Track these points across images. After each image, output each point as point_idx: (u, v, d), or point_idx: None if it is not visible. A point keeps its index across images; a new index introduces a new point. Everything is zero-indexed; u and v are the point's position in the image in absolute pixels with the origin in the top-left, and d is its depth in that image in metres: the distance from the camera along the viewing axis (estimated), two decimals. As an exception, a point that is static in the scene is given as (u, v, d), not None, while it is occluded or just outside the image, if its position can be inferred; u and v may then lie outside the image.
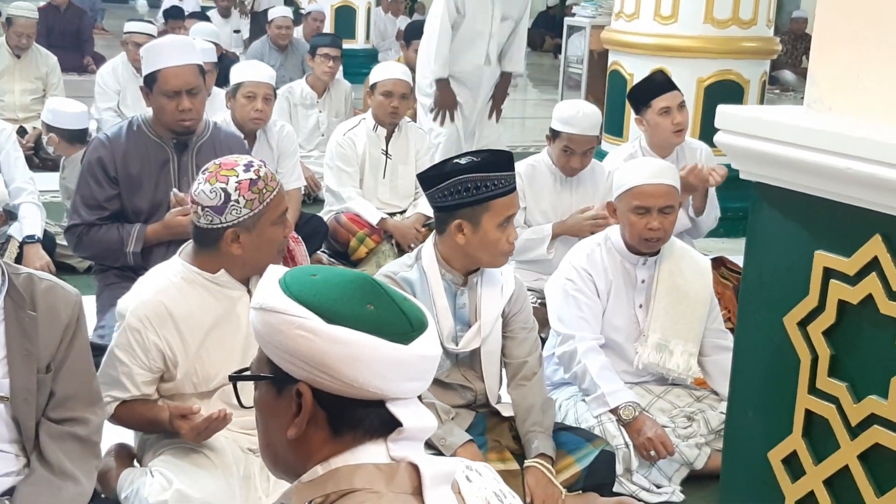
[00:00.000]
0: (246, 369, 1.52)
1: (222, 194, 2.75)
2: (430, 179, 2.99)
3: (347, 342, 1.39)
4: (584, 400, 3.41)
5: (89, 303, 4.15)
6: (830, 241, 1.99)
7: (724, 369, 3.37)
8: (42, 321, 2.61)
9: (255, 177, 2.77)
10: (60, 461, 2.62)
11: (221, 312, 2.85)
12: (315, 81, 7.11)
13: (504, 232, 2.97)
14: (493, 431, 3.16)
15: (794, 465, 2.08)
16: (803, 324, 2.03)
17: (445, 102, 6.47)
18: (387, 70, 5.68)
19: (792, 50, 14.45)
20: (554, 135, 4.52)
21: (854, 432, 1.96)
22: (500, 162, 2.97)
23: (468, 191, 2.92)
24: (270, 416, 1.48)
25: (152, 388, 2.88)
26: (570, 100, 4.79)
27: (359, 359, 1.39)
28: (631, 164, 3.60)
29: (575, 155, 4.48)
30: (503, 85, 6.66)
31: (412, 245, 5.44)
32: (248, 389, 1.54)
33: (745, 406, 2.20)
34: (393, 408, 1.43)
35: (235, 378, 1.53)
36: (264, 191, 2.77)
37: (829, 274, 1.98)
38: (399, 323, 1.43)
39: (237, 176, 2.76)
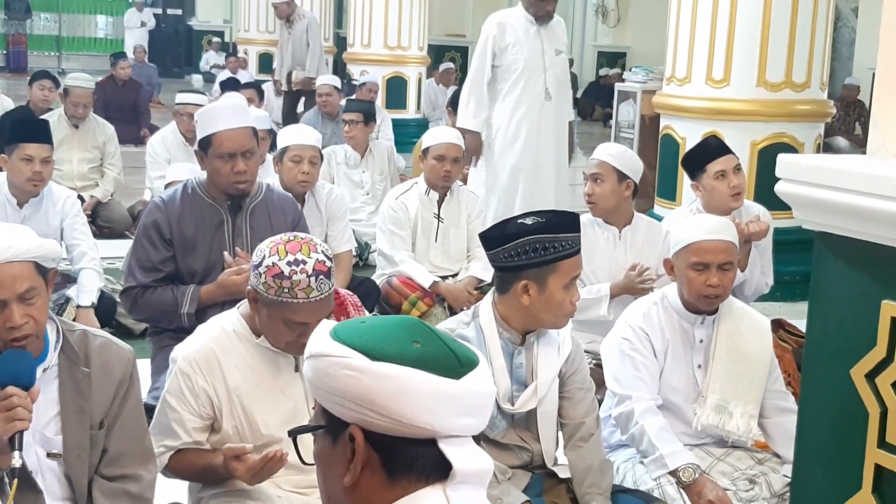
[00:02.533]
0: (309, 427, 1.52)
1: (259, 257, 2.74)
2: (493, 240, 2.97)
3: (393, 377, 1.39)
4: (642, 462, 3.34)
5: (144, 366, 4.19)
6: (898, 289, 1.94)
7: (786, 431, 3.31)
8: (95, 378, 2.62)
9: (286, 272, 2.68)
10: (114, 519, 2.61)
11: (266, 374, 2.84)
12: (348, 143, 7.35)
13: (568, 293, 2.95)
14: (550, 493, 3.10)
15: (864, 523, 2.01)
16: (871, 376, 1.98)
17: (474, 150, 6.58)
18: (439, 134, 5.71)
19: (844, 117, 14.37)
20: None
21: (927, 488, 1.89)
22: (566, 223, 2.95)
23: (535, 251, 2.90)
24: (328, 465, 1.48)
25: (204, 436, 2.87)
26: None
27: (405, 393, 1.39)
28: (689, 220, 3.57)
29: (587, 180, 4.55)
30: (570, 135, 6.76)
31: (465, 308, 5.41)
32: (307, 446, 1.54)
33: (812, 462, 2.14)
34: (445, 446, 1.41)
35: (294, 432, 1.53)
36: (284, 289, 2.69)
37: (897, 324, 1.93)
38: (446, 359, 1.42)
39: (283, 257, 2.69)
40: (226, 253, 3.92)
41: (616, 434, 3.47)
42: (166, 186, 5.43)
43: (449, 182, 5.59)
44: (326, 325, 1.50)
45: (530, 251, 2.90)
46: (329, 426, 1.47)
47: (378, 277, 5.59)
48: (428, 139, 5.70)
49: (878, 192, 1.92)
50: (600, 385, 3.59)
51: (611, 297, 4.46)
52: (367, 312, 3.06)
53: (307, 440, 1.53)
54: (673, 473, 3.23)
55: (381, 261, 5.68)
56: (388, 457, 1.42)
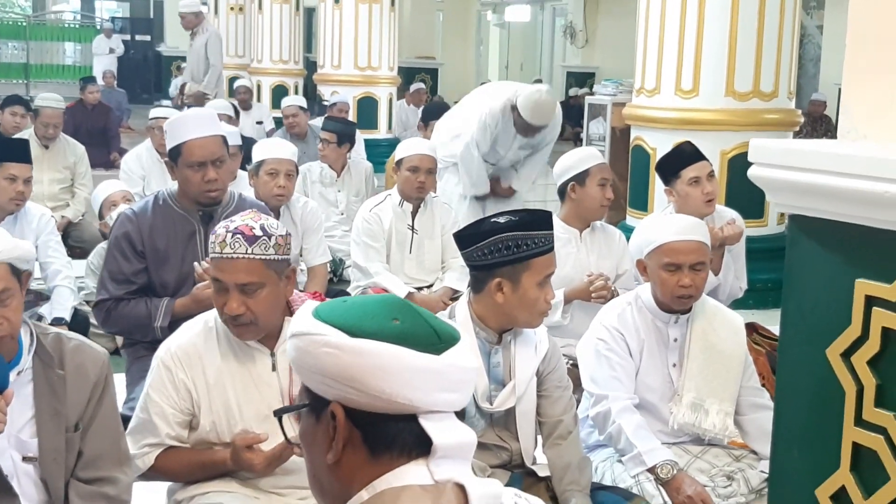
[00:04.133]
0: (293, 406, 1.53)
1: None
2: (467, 238, 2.98)
3: (372, 353, 1.39)
4: (620, 461, 3.35)
5: (119, 380, 4.15)
6: (871, 268, 1.95)
7: (762, 428, 3.33)
8: (70, 380, 2.61)
9: (216, 230, 2.81)
10: (91, 522, 2.59)
11: (243, 369, 2.85)
12: (323, 162, 7.25)
13: (542, 291, 2.96)
14: (529, 492, 3.05)
15: (843, 501, 2.01)
16: (847, 354, 1.99)
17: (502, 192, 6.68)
18: (412, 146, 5.72)
19: (812, 132, 14.50)
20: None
21: (905, 463, 1.90)
22: (539, 220, 2.96)
23: (508, 249, 2.91)
24: (312, 443, 1.48)
25: (185, 432, 2.87)
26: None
27: (384, 369, 1.39)
28: (659, 221, 3.58)
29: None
30: (502, 188, 6.73)
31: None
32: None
33: (790, 444, 2.15)
34: (425, 422, 1.41)
35: (280, 412, 1.55)
36: (213, 244, 2.81)
37: (871, 302, 1.95)
38: (426, 335, 1.43)
39: (228, 219, 2.84)
40: (195, 264, 3.90)
41: (594, 434, 3.48)
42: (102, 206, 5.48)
43: (423, 193, 5.60)
44: (310, 306, 1.50)
45: (503, 249, 2.91)
46: (312, 404, 1.47)
47: (353, 290, 5.58)
48: (402, 151, 5.70)
49: (847, 172, 1.93)
50: (577, 385, 3.60)
51: (565, 301, 4.48)
52: None
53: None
54: (651, 470, 3.24)
55: (356, 273, 5.67)
56: (369, 433, 1.42)
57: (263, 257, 2.76)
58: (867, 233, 1.95)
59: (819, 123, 14.56)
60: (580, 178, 4.57)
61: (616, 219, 7.23)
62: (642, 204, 6.74)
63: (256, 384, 2.84)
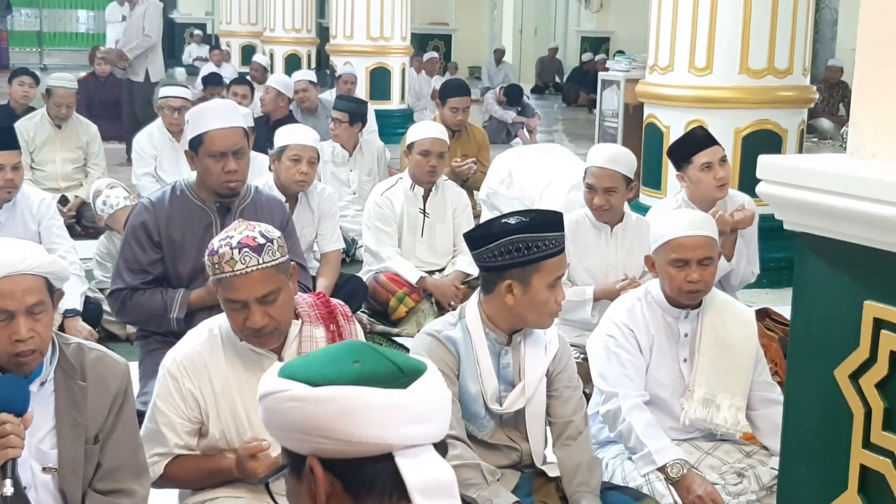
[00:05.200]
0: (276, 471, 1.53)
1: None
2: (477, 239, 2.97)
3: (334, 398, 1.40)
4: (630, 458, 3.35)
5: (132, 370, 4.17)
6: (880, 290, 1.94)
7: (774, 423, 3.32)
8: (91, 392, 2.62)
9: (216, 247, 2.76)
10: (106, 534, 2.61)
11: (251, 376, 2.84)
12: (335, 141, 7.18)
13: (553, 292, 2.94)
14: (539, 492, 3.10)
15: (851, 523, 2.02)
16: (855, 376, 1.98)
17: None
18: (424, 129, 5.70)
19: (828, 98, 14.40)
20: (584, 176, 4.54)
21: (912, 487, 1.90)
22: (550, 222, 2.95)
23: (519, 251, 2.89)
24: (299, 502, 1.48)
25: (194, 440, 2.88)
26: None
27: (349, 411, 1.39)
28: (667, 216, 3.56)
29: (597, 192, 4.48)
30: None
31: (452, 303, 5.41)
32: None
33: (797, 461, 2.15)
34: (401, 459, 1.41)
35: (266, 479, 1.55)
36: (215, 265, 2.75)
37: (879, 325, 1.93)
38: (387, 372, 1.43)
39: (217, 238, 2.79)
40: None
41: (604, 431, 3.48)
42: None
43: (434, 177, 5.59)
44: (276, 367, 1.51)
45: (514, 251, 2.90)
46: (291, 464, 1.47)
47: (364, 274, 5.58)
48: (413, 134, 5.68)
49: (857, 194, 1.92)
50: (588, 380, 3.60)
51: (595, 299, 4.47)
52: (357, 324, 3.05)
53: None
54: (661, 470, 3.24)
55: (368, 257, 5.67)
56: (349, 481, 1.42)
57: (273, 263, 2.76)
58: (876, 255, 1.94)
59: (836, 90, 14.45)
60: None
61: (630, 196, 7.20)
62: (655, 182, 6.71)
63: None
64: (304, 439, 1.42)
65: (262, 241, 2.74)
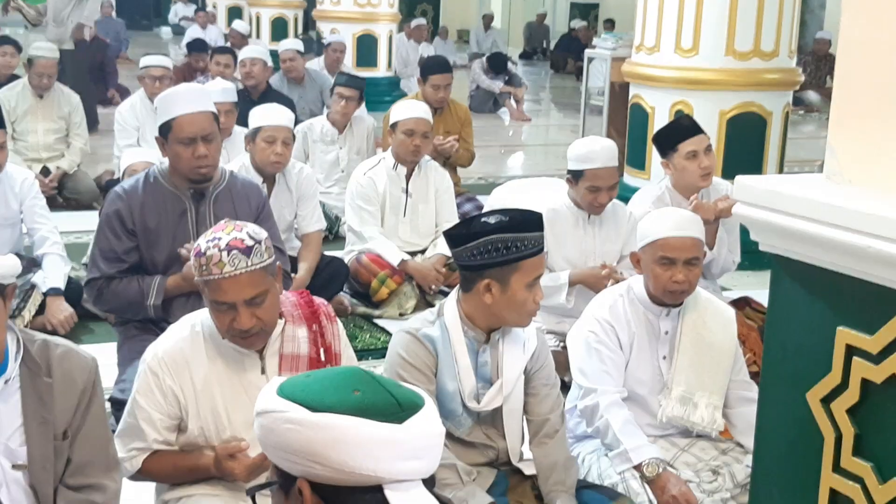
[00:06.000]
0: (263, 484, 1.54)
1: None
2: (457, 238, 2.96)
3: (331, 427, 1.41)
4: (607, 454, 3.37)
5: (112, 350, 4.17)
6: (853, 317, 1.95)
7: (750, 421, 3.31)
8: (58, 388, 2.60)
9: (203, 248, 2.72)
10: (79, 528, 2.61)
11: (232, 374, 2.85)
12: (335, 118, 7.10)
13: (531, 292, 2.94)
14: (514, 491, 3.12)
15: (820, 546, 2.03)
16: (826, 401, 2.00)
17: None
18: (408, 109, 5.68)
19: (816, 70, 14.39)
20: (576, 175, 4.50)
21: (881, 514, 1.91)
22: (529, 222, 2.94)
23: (498, 251, 2.89)
24: None
25: (173, 435, 2.88)
26: (582, 138, 4.77)
27: (345, 442, 1.40)
28: (655, 214, 3.56)
29: (602, 191, 4.46)
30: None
31: (433, 287, 5.42)
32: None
33: (768, 482, 2.16)
34: (390, 492, 1.42)
35: (251, 491, 1.56)
36: (203, 267, 2.72)
37: (851, 351, 1.94)
38: (386, 405, 1.44)
39: (207, 237, 2.76)
40: (180, 250, 3.88)
41: (582, 425, 3.49)
42: (124, 173, 5.41)
43: (418, 157, 5.58)
44: (275, 383, 1.51)
45: (493, 250, 2.89)
46: (280, 482, 1.48)
47: (347, 254, 5.58)
48: (396, 113, 5.66)
49: (832, 222, 1.92)
50: (567, 369, 3.62)
51: (570, 284, 4.48)
52: (339, 324, 3.04)
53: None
54: (637, 468, 3.26)
55: (351, 236, 5.66)
56: None
57: (262, 265, 2.74)
58: (850, 282, 1.94)
59: (823, 63, 14.43)
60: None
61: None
62: (640, 163, 6.71)
63: (246, 388, 2.85)
64: (296, 461, 1.43)
65: (250, 242, 2.73)
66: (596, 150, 4.48)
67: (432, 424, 1.46)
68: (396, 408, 1.43)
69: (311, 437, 1.41)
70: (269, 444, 1.47)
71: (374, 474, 1.41)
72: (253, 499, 1.57)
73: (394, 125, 5.59)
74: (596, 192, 4.47)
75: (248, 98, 7.57)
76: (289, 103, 7.00)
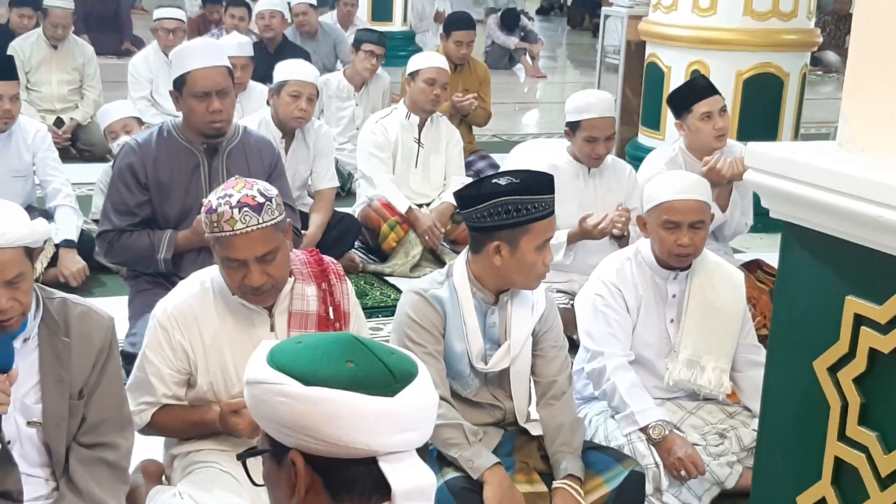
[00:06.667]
0: (253, 448, 1.53)
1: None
2: (467, 199, 2.96)
3: (325, 401, 1.40)
4: (613, 417, 3.38)
5: (124, 304, 4.19)
6: (862, 287, 1.94)
7: (757, 385, 3.30)
8: (75, 347, 2.62)
9: (214, 205, 2.72)
10: (89, 486, 2.64)
11: (241, 330, 2.86)
12: (353, 75, 7.05)
13: (541, 255, 2.94)
14: (520, 451, 3.13)
15: (822, 513, 2.04)
16: (833, 369, 1.99)
17: None
18: (429, 58, 5.77)
19: (835, 30, 14.25)
20: (573, 127, 4.51)
21: (884, 483, 1.92)
22: (540, 184, 2.93)
23: (508, 213, 2.88)
24: (276, 487, 1.49)
25: (182, 390, 2.90)
26: (579, 91, 4.78)
27: (339, 416, 1.39)
28: (661, 177, 3.55)
29: (599, 141, 4.48)
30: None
31: (427, 237, 5.41)
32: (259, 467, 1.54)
33: (773, 448, 2.17)
34: (384, 464, 1.42)
35: (242, 456, 1.55)
36: (214, 223, 2.72)
37: (859, 321, 1.94)
38: (380, 377, 1.42)
39: (218, 194, 2.75)
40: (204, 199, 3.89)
41: (589, 387, 3.50)
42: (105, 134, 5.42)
43: (436, 106, 5.64)
44: (264, 348, 1.50)
45: (503, 212, 2.89)
46: (273, 450, 1.48)
47: (358, 206, 5.62)
48: (417, 62, 5.71)
49: (844, 190, 1.91)
50: (575, 327, 3.62)
51: (569, 242, 4.47)
52: (348, 282, 3.04)
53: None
54: (644, 430, 3.27)
55: (363, 185, 5.66)
56: (330, 479, 1.43)
57: (273, 222, 2.74)
58: (860, 251, 1.93)
59: (843, 22, 14.27)
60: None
61: (628, 135, 7.16)
62: (654, 123, 6.66)
63: (255, 345, 2.78)
64: (289, 434, 1.43)
65: (261, 199, 2.72)
66: (592, 101, 4.51)
67: (426, 395, 1.45)
68: (390, 378, 1.43)
69: (304, 411, 1.40)
70: (260, 416, 1.46)
71: (368, 447, 1.41)
72: (244, 464, 1.57)
73: (414, 73, 5.61)
74: (593, 142, 4.48)
75: (265, 51, 7.54)
76: (305, 56, 6.97)
